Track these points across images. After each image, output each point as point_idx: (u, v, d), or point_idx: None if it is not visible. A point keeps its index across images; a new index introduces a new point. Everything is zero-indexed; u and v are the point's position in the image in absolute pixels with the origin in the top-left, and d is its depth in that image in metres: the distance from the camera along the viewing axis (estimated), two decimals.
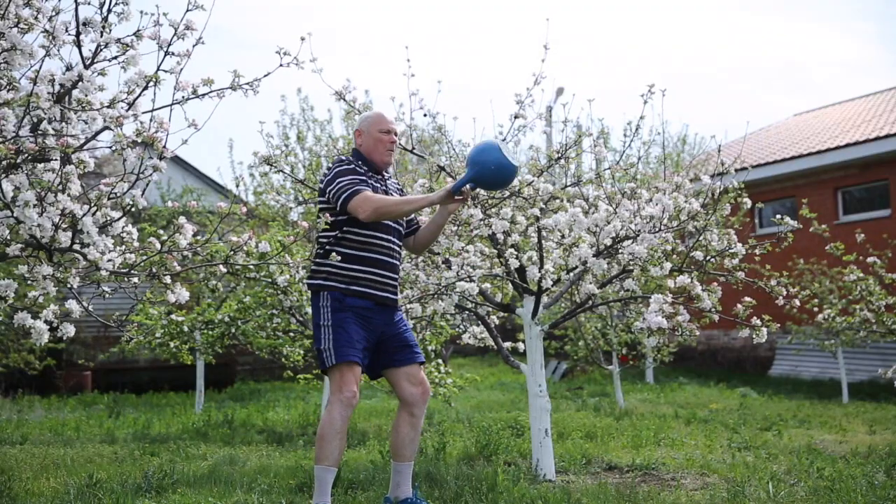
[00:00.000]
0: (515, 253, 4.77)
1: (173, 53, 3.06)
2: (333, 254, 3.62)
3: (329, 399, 3.63)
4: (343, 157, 4.00)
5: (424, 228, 4.09)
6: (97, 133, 3.00)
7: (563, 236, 4.81)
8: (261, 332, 7.91)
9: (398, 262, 3.94)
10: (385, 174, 4.02)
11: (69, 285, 3.11)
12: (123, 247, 3.14)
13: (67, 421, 7.78)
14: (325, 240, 3.80)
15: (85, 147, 2.97)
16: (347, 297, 3.72)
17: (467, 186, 3.80)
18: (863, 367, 12.56)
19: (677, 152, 18.76)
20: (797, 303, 4.54)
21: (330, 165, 3.98)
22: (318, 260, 3.82)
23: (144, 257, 3.15)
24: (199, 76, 3.09)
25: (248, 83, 3.18)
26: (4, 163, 2.84)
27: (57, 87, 2.94)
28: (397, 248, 3.93)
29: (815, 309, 8.58)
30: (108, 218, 3.02)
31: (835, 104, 18.49)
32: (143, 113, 3.01)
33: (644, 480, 4.79)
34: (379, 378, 4.10)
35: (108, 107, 2.91)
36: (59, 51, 3.00)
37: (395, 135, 4.00)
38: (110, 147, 2.92)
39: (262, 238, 3.84)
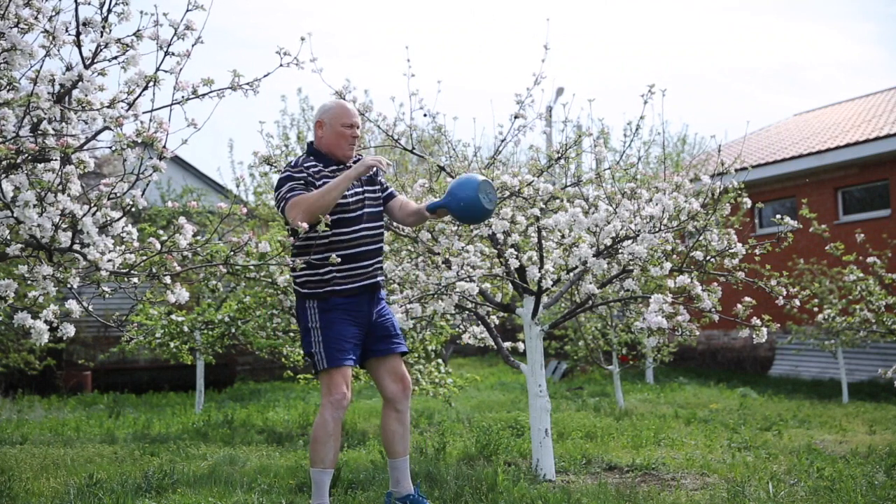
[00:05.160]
0: (515, 253, 4.77)
1: (173, 53, 3.06)
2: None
3: (321, 402, 3.63)
4: (290, 161, 3.80)
5: (410, 216, 3.94)
6: (97, 133, 3.00)
7: (563, 236, 4.80)
8: (261, 332, 7.91)
9: (373, 247, 3.79)
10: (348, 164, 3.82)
11: (69, 285, 3.10)
12: (123, 247, 3.14)
13: (67, 421, 7.78)
14: (295, 250, 3.65)
15: (85, 147, 2.97)
16: (331, 297, 3.69)
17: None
18: (863, 367, 12.56)
19: (677, 152, 18.79)
20: (797, 303, 4.54)
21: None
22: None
23: (144, 257, 3.15)
24: (199, 76, 3.09)
25: (248, 83, 3.18)
26: (4, 163, 2.84)
27: (57, 87, 2.94)
28: (369, 235, 3.78)
29: (815, 309, 8.57)
30: (108, 218, 3.02)
31: (835, 104, 18.48)
32: (144, 113, 3.00)
33: (644, 480, 4.79)
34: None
35: (108, 107, 2.91)
36: (59, 51, 3.00)
37: (358, 127, 3.83)
38: (110, 147, 2.92)
39: (262, 238, 3.84)
